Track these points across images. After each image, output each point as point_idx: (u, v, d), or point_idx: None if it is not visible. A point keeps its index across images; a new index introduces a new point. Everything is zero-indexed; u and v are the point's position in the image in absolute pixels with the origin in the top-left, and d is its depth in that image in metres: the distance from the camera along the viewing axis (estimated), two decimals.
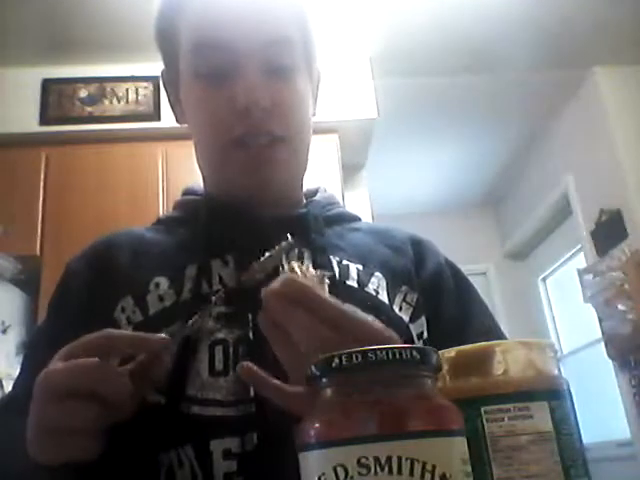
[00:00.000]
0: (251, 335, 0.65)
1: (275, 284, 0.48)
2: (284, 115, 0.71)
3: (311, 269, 0.52)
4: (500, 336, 0.76)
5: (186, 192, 0.84)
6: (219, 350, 0.64)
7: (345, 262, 0.73)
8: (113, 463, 0.55)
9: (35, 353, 0.72)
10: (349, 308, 0.48)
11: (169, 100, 0.82)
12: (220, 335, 0.65)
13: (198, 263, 0.70)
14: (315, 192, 0.86)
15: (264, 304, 0.48)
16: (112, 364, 0.52)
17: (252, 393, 0.62)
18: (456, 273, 0.81)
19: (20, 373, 0.73)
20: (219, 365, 0.64)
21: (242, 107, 0.68)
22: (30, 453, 0.51)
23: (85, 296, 0.72)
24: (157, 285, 0.69)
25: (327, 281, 0.52)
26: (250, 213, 0.73)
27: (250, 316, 0.65)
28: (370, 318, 0.48)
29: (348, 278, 0.71)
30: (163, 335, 0.53)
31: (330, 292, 0.51)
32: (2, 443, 0.59)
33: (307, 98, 0.76)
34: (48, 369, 0.50)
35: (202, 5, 0.72)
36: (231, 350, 0.65)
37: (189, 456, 0.60)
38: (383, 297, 0.71)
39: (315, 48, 0.79)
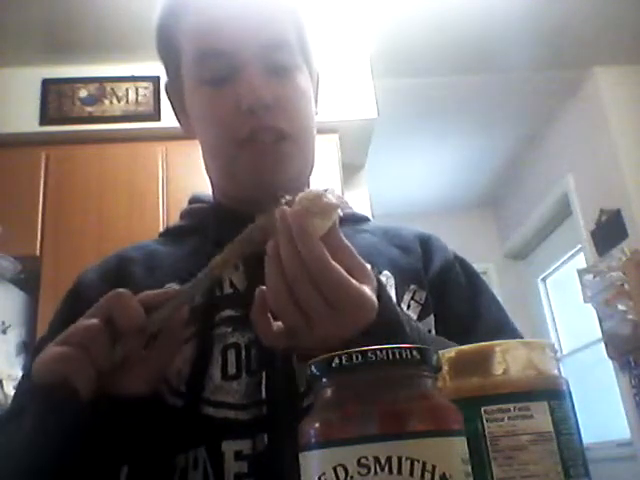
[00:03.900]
0: None
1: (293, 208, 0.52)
2: (288, 111, 0.72)
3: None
4: (513, 331, 0.76)
5: (193, 200, 0.85)
6: (231, 354, 0.65)
7: None
8: (130, 464, 0.56)
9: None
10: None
11: (174, 110, 0.83)
12: (232, 339, 0.66)
13: None
14: None
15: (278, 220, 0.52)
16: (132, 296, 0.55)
17: (264, 395, 0.63)
18: (467, 269, 0.81)
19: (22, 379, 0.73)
20: (232, 369, 0.65)
21: (246, 107, 0.69)
22: (33, 371, 0.54)
23: None
24: None
25: (339, 212, 0.53)
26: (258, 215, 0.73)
27: None
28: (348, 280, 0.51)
29: None
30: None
31: None
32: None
33: (309, 95, 0.77)
34: None
35: (200, 15, 0.73)
36: (243, 353, 0.65)
37: (203, 457, 0.61)
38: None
39: (313, 49, 0.80)
